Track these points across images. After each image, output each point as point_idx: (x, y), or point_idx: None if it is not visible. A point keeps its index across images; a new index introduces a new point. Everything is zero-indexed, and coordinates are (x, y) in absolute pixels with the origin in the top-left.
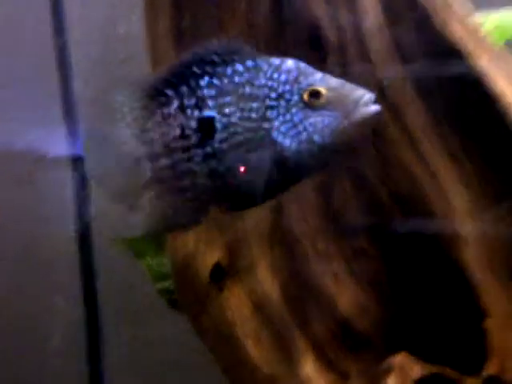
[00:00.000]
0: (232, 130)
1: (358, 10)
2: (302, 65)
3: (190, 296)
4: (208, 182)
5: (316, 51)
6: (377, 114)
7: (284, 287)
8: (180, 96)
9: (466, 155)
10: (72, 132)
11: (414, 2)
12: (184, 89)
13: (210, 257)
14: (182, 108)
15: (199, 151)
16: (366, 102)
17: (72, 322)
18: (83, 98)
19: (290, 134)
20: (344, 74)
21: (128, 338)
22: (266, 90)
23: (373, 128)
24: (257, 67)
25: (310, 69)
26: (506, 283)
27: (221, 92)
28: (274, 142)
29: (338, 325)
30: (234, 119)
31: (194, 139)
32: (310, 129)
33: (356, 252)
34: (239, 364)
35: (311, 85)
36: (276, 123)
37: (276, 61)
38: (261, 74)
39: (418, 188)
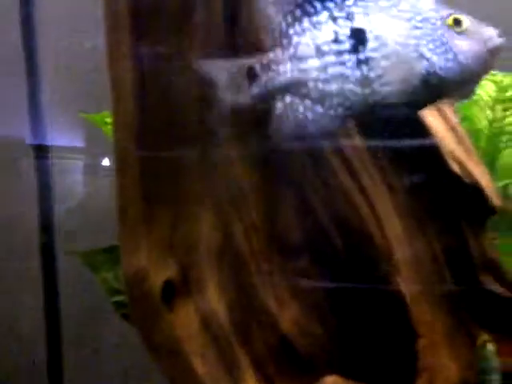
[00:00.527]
0: (383, 41)
1: None
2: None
3: (142, 312)
4: (357, 88)
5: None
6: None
7: (230, 306)
8: (329, 9)
9: (401, 186)
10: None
11: None
12: (331, 4)
13: (162, 274)
14: (332, 18)
15: (352, 57)
16: (496, 36)
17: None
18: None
19: (438, 51)
20: None
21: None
22: (411, 14)
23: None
24: None
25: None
26: (435, 304)
27: (368, 10)
28: (423, 57)
29: (279, 344)
30: (383, 33)
31: (347, 45)
32: (455, 49)
33: (297, 273)
34: (186, 380)
35: (452, 14)
36: (424, 41)
37: None
38: (403, 2)
39: (357, 215)
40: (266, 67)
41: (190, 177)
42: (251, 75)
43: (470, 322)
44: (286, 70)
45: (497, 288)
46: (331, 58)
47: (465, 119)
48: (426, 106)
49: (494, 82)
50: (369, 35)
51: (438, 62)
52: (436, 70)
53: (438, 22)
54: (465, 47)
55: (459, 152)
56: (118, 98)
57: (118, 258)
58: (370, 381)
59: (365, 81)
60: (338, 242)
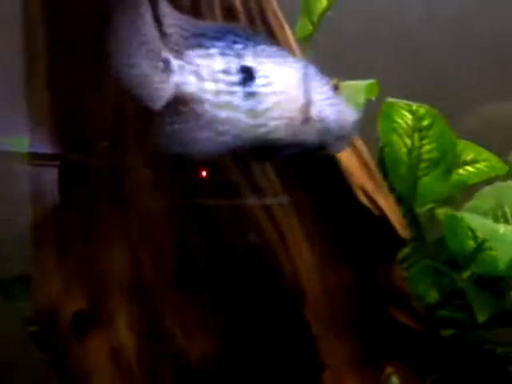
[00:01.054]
0: (269, 80)
1: None
2: None
3: (53, 343)
4: (244, 118)
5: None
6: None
7: (139, 339)
8: (219, 47)
9: (311, 217)
10: None
11: None
12: (222, 44)
13: (73, 305)
14: (224, 54)
15: (241, 88)
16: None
17: None
18: None
19: (321, 104)
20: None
21: None
22: (297, 67)
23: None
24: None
25: None
26: (341, 337)
27: (258, 55)
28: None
29: (186, 377)
30: (270, 74)
31: (236, 77)
32: (334, 106)
33: (206, 304)
34: None
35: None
36: (307, 92)
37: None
38: (290, 58)
39: (269, 247)
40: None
41: (102, 209)
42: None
43: (378, 354)
44: (189, 82)
45: (404, 320)
46: (222, 86)
47: (386, 145)
48: (310, 150)
49: (410, 112)
50: (257, 73)
51: (320, 114)
52: (322, 122)
53: (322, 82)
54: (341, 107)
55: (369, 185)
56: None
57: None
58: None
59: (252, 112)
60: (245, 270)
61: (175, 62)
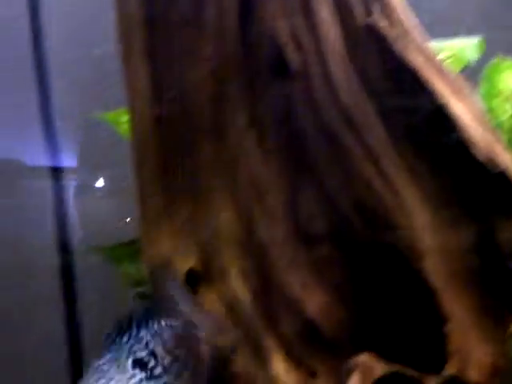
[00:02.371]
0: None
1: (318, 34)
2: None
3: (166, 300)
4: None
5: (281, 77)
6: None
7: (254, 293)
8: None
9: (425, 173)
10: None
11: (373, 29)
12: None
13: (185, 263)
14: None
15: None
16: None
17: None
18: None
19: None
20: (309, 100)
21: None
22: None
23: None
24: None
25: None
26: (463, 291)
27: None
28: None
29: (305, 327)
30: None
31: None
32: None
33: (322, 260)
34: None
35: None
36: None
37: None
38: None
39: (380, 202)
40: None
41: (209, 166)
42: None
43: (500, 309)
44: None
45: None
46: None
47: (488, 111)
48: None
49: None
50: None
51: None
52: None
53: None
54: None
55: (485, 140)
56: (133, 92)
57: (137, 251)
58: (397, 363)
59: None
60: (361, 229)
61: None
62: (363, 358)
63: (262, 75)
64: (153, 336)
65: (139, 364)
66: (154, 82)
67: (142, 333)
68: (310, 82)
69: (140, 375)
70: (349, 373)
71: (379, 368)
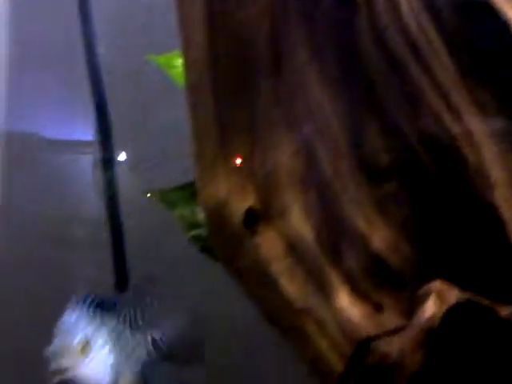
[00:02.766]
0: None
1: None
2: None
3: (223, 241)
4: None
5: (344, 5)
6: None
7: (317, 229)
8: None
9: (494, 107)
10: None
11: None
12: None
13: (243, 202)
14: None
15: None
16: None
17: None
18: None
19: None
20: (373, 28)
21: None
22: None
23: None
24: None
25: None
26: None
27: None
28: None
29: (370, 261)
30: None
31: None
32: None
33: (386, 195)
34: (274, 300)
35: None
36: None
37: None
38: None
39: (448, 136)
40: None
41: (266, 103)
42: None
43: None
44: None
45: None
46: None
47: None
48: None
49: None
50: None
51: None
52: None
53: None
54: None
55: None
56: (187, 33)
57: (192, 194)
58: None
59: None
60: (428, 163)
61: None
62: (438, 285)
63: (323, 5)
64: None
65: None
66: (208, 22)
67: None
68: (374, 8)
69: None
70: (423, 299)
71: (453, 295)
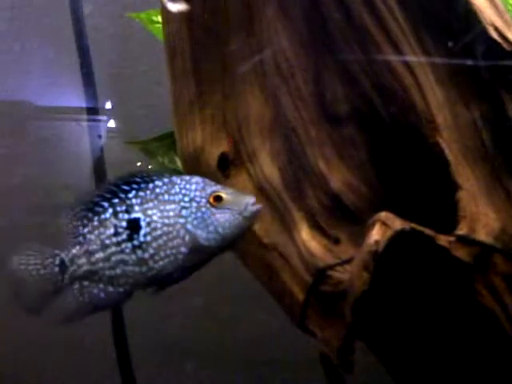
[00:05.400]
0: (153, 225)
1: None
2: (206, 179)
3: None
4: (136, 268)
5: None
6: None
7: (282, 170)
8: (113, 205)
9: (440, 56)
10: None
11: None
12: (116, 199)
13: (217, 149)
14: (114, 213)
15: (129, 244)
16: (252, 204)
17: None
18: None
19: (201, 226)
20: None
21: None
22: (180, 196)
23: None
24: (172, 181)
25: (212, 182)
26: (474, 162)
27: (145, 200)
28: (189, 232)
29: (329, 199)
30: (155, 218)
31: (124, 235)
32: (216, 222)
33: (344, 139)
34: (244, 239)
35: (214, 191)
36: (189, 219)
37: (186, 177)
38: (175, 186)
39: (399, 82)
40: (72, 261)
41: (238, 55)
42: (62, 266)
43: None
44: (82, 263)
45: None
46: (113, 249)
47: None
48: (200, 266)
49: None
50: (142, 223)
51: (201, 234)
52: (200, 242)
53: (203, 201)
54: (223, 220)
55: (499, 23)
56: None
57: (170, 144)
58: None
59: (141, 261)
60: (381, 109)
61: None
62: (383, 215)
63: None
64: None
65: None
66: None
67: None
68: None
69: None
70: (371, 225)
71: (398, 223)
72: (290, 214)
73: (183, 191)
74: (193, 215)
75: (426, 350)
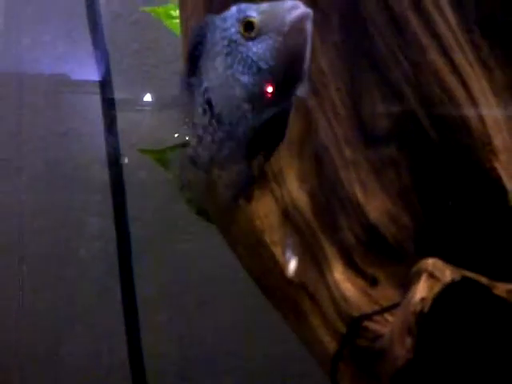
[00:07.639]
0: (212, 84)
1: None
2: (243, 5)
3: (219, 207)
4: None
5: None
6: (307, 17)
7: (312, 195)
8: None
9: (497, 64)
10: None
11: None
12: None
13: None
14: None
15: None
16: (289, 10)
17: None
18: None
19: (245, 70)
20: None
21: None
22: (223, 42)
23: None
24: (214, 24)
25: (248, 4)
26: None
27: (206, 59)
28: (237, 81)
29: (365, 232)
30: (211, 76)
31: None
32: (255, 58)
33: (384, 161)
34: (268, 272)
35: (245, 18)
36: (234, 65)
37: (224, 13)
38: (217, 31)
39: (448, 95)
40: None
41: None
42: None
43: None
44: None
45: None
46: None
47: None
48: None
49: None
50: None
51: (248, 80)
52: (250, 88)
53: (238, 36)
54: (260, 51)
55: None
56: None
57: None
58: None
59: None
60: (428, 127)
61: None
62: (431, 263)
63: None
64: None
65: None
66: None
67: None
68: None
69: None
70: (415, 277)
71: (448, 273)
72: (321, 248)
73: (223, 34)
74: (236, 59)
75: None
